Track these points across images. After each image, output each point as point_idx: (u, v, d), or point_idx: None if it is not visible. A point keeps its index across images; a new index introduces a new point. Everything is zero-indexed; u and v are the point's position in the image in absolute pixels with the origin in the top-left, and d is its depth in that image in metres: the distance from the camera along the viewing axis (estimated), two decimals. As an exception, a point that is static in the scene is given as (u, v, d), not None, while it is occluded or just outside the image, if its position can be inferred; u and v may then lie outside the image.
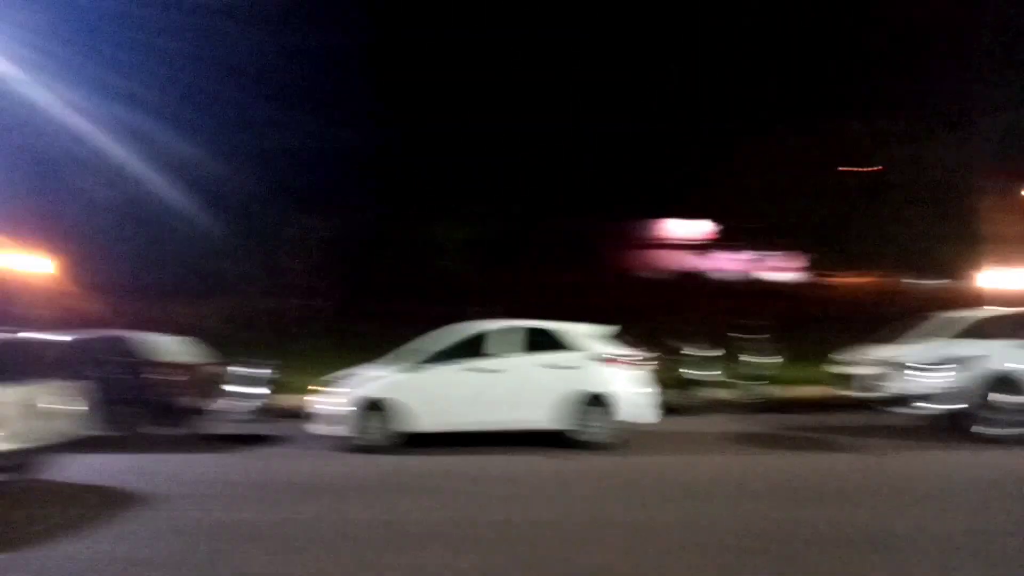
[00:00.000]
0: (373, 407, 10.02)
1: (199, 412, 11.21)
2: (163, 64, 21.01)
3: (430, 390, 10.03)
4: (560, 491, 7.80)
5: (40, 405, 7.94)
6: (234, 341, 13.47)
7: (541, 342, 10.25)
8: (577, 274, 25.95)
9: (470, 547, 5.86)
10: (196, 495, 7.89)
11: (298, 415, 12.48)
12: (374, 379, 10.22)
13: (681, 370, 14.22)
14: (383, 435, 9.98)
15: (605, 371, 10.07)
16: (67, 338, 10.45)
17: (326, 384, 10.40)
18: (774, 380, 14.23)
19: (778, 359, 14.38)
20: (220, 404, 11.36)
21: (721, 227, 31.60)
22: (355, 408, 10.00)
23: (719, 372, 14.25)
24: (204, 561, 5.67)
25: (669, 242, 33.35)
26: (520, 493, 7.73)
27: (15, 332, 8.97)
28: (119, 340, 11.15)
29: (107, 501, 7.62)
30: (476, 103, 28.00)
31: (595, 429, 9.90)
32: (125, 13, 20.98)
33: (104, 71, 20.40)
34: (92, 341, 10.91)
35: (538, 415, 9.92)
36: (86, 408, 8.49)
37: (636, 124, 28.75)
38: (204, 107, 20.95)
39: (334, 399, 10.15)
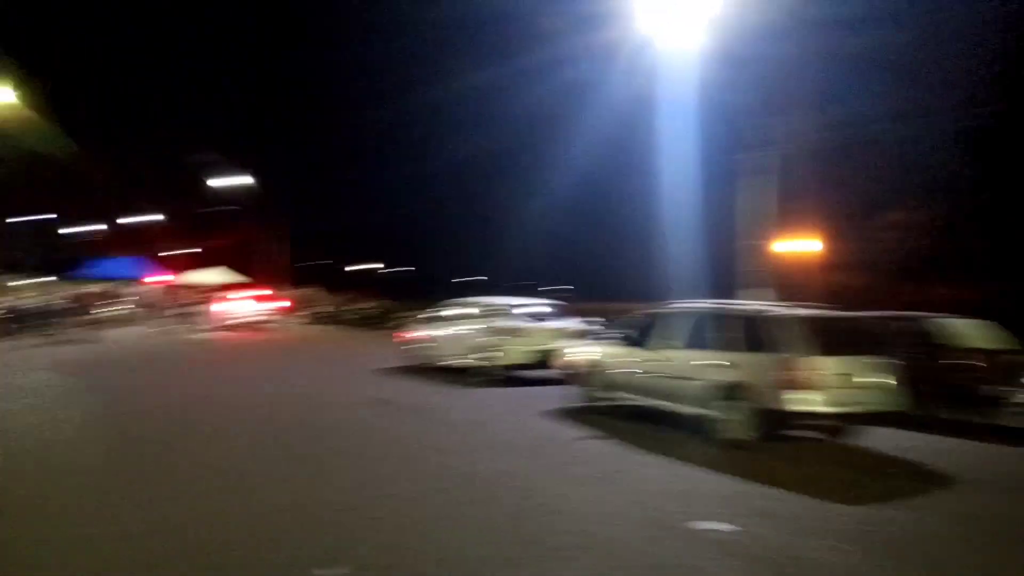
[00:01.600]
0: None
1: (998, 401, 10.55)
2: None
3: None
4: None
5: (855, 376, 8.73)
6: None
7: None
8: None
9: None
10: (984, 486, 7.71)
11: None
12: None
13: None
14: None
15: None
16: (868, 316, 11.06)
17: None
18: None
19: None
20: (1021, 395, 10.47)
21: None
22: None
23: None
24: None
25: None
26: None
27: (830, 310, 9.95)
28: (917, 321, 11.29)
29: (905, 475, 8.08)
30: None
31: None
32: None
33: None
34: (891, 320, 11.26)
35: None
36: (895, 384, 8.91)
37: None
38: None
39: None
